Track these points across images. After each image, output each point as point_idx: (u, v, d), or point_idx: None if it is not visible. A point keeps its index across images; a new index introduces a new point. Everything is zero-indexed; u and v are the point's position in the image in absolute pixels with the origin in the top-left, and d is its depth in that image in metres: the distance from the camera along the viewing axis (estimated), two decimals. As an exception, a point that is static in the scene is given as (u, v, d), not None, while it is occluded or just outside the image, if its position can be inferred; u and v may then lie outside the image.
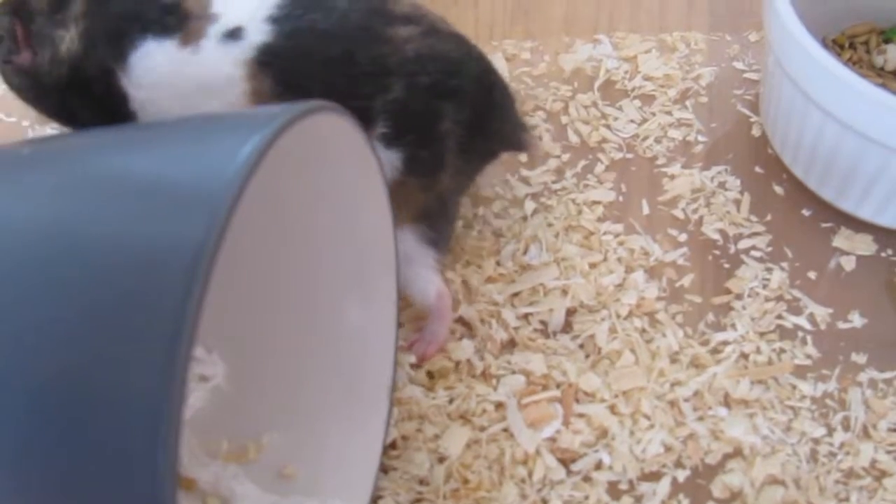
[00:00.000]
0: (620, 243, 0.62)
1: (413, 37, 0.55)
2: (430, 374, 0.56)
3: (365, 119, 0.52)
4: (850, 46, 0.70)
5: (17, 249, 0.36)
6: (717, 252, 0.62)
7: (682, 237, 0.62)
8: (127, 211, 0.35)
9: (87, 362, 0.33)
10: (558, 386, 0.55)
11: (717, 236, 0.62)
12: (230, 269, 0.39)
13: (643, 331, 0.57)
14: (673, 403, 0.54)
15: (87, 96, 0.57)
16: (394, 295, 0.53)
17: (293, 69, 0.53)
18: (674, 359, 0.56)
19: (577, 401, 0.55)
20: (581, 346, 0.57)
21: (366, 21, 0.55)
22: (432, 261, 0.58)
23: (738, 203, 0.64)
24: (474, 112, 0.57)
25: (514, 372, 0.56)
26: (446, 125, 0.55)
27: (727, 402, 0.54)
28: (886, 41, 0.69)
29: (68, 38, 0.55)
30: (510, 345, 0.58)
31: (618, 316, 0.58)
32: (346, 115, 0.44)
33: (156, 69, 0.55)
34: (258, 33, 0.53)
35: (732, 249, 0.62)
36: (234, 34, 0.54)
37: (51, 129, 0.72)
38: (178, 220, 0.34)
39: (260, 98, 0.54)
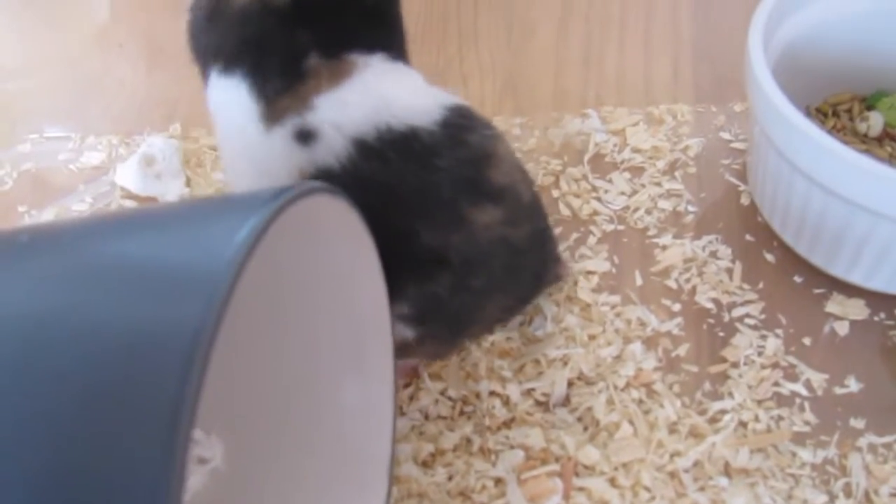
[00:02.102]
0: (617, 314, 0.62)
1: (492, 224, 0.50)
2: (430, 452, 0.56)
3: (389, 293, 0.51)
4: (834, 114, 0.71)
5: (13, 337, 0.36)
6: (711, 321, 0.62)
7: (676, 307, 0.63)
8: (125, 295, 0.36)
9: (85, 448, 0.32)
10: (557, 460, 0.55)
11: (710, 305, 0.63)
12: (228, 349, 0.39)
13: (640, 402, 0.57)
14: (673, 474, 0.54)
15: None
16: (390, 371, 0.53)
17: None
18: (672, 429, 0.56)
19: (577, 474, 0.54)
20: (579, 420, 0.57)
21: (453, 195, 0.50)
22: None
23: (730, 272, 0.65)
24: (521, 298, 0.57)
25: (512, 447, 0.56)
26: (488, 313, 0.55)
27: (727, 471, 0.54)
28: (869, 108, 0.71)
29: None
30: (509, 420, 0.57)
31: (615, 388, 0.58)
32: (341, 196, 0.44)
33: (226, 112, 0.53)
34: (329, 152, 0.49)
35: (726, 318, 0.62)
36: (306, 136, 0.50)
37: (47, 214, 0.73)
38: (177, 304, 0.34)
39: None
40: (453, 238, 0.50)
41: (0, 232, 0.45)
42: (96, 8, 0.98)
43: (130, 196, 0.74)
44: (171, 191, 0.73)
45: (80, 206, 0.74)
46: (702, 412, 0.57)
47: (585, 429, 0.56)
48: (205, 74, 0.55)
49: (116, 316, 0.35)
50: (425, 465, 0.56)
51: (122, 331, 0.34)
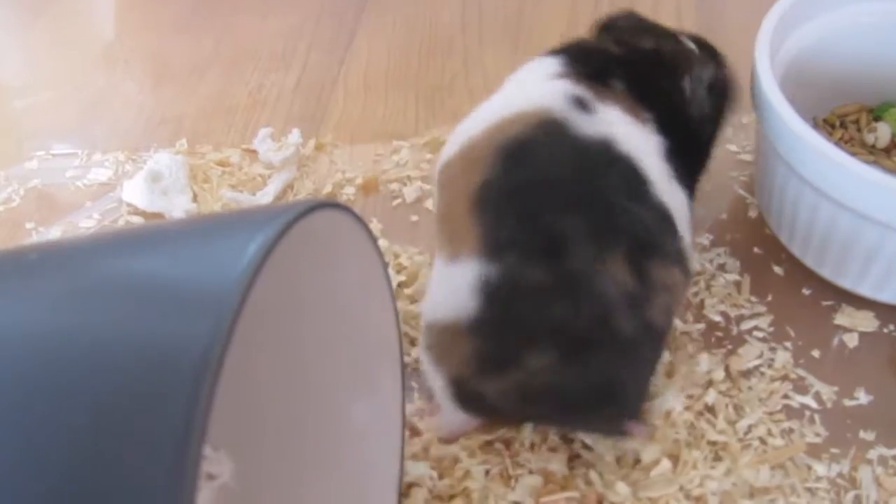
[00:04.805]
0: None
1: (614, 272, 0.46)
2: (442, 476, 0.55)
3: None
4: (841, 125, 0.71)
5: (22, 355, 0.36)
6: (720, 334, 0.62)
7: (686, 320, 0.62)
8: (134, 314, 0.36)
9: (95, 467, 0.32)
10: (582, 486, 0.53)
11: (719, 318, 0.62)
12: (237, 366, 0.39)
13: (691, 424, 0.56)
14: (700, 499, 0.53)
15: None
16: (399, 392, 0.52)
17: None
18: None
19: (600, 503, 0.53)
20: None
21: (623, 229, 0.47)
22: None
23: (738, 284, 0.64)
24: (565, 402, 0.49)
25: (531, 472, 0.54)
26: (526, 364, 0.47)
27: (751, 491, 0.53)
28: (876, 119, 0.71)
29: None
30: (532, 445, 0.56)
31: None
32: (350, 212, 0.44)
33: None
34: (588, 123, 0.50)
35: (735, 331, 0.62)
36: (581, 103, 0.52)
37: (54, 231, 0.73)
38: (186, 322, 0.34)
39: None
40: (576, 239, 0.46)
41: (8, 249, 0.45)
42: (102, 25, 0.99)
43: (137, 212, 0.75)
44: (178, 207, 0.73)
45: (87, 223, 0.74)
46: (721, 430, 0.56)
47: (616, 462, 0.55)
48: None
49: (125, 334, 0.35)
50: (440, 488, 0.54)
51: (131, 349, 0.34)
